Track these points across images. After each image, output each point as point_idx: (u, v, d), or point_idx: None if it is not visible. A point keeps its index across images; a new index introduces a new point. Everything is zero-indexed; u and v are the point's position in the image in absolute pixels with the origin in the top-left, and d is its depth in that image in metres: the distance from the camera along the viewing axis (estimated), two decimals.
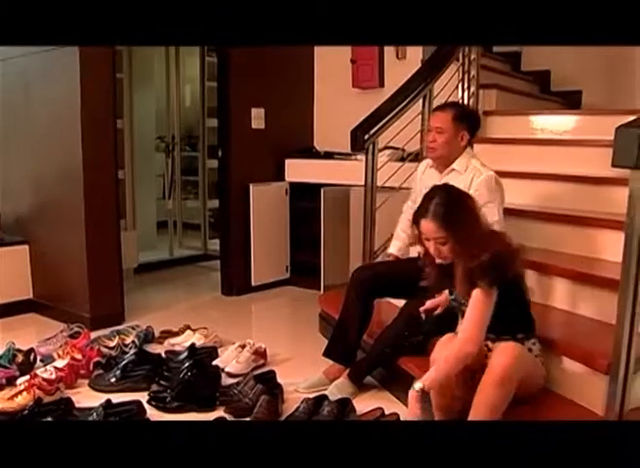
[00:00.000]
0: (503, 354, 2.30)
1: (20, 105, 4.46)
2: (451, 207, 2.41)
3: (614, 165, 2.06)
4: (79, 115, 4.00)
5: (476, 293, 2.34)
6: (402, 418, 2.72)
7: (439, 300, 2.68)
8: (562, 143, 3.89)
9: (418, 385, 2.29)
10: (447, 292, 2.65)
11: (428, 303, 2.70)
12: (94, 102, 4.05)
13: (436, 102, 3.80)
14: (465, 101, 4.12)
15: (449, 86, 4.06)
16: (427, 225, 2.41)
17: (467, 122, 3.14)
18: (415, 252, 3.42)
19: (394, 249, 3.43)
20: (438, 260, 2.47)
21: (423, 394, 2.29)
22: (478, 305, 2.34)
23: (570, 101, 5.13)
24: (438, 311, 2.68)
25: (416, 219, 2.48)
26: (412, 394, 2.29)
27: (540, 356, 2.50)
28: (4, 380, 3.19)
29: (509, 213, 3.12)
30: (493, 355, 2.35)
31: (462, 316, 2.48)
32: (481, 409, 2.28)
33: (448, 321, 2.65)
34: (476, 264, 2.31)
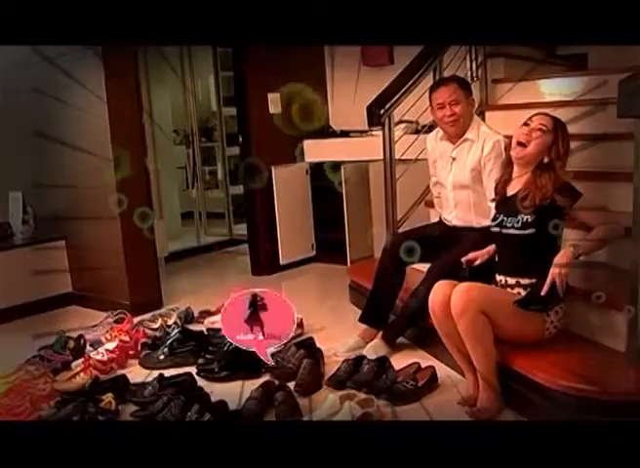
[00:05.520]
0: (456, 293, 2.59)
1: (48, 109, 4.57)
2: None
3: (619, 115, 2.20)
4: (107, 116, 4.18)
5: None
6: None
7: (480, 253, 2.88)
8: (570, 104, 3.79)
9: (573, 246, 2.54)
10: (490, 247, 2.86)
11: (471, 254, 2.90)
12: (119, 102, 4.23)
13: (446, 73, 3.94)
14: (474, 71, 4.24)
15: (458, 55, 4.15)
16: (541, 117, 2.73)
17: (468, 86, 3.27)
18: (437, 217, 3.58)
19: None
20: (519, 155, 2.72)
21: (577, 256, 2.55)
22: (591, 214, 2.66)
23: (575, 64, 5.20)
24: (478, 262, 2.87)
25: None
26: (566, 252, 2.53)
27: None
28: (59, 365, 3.37)
29: None
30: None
31: (500, 247, 2.79)
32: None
33: (481, 274, 2.82)
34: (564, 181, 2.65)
